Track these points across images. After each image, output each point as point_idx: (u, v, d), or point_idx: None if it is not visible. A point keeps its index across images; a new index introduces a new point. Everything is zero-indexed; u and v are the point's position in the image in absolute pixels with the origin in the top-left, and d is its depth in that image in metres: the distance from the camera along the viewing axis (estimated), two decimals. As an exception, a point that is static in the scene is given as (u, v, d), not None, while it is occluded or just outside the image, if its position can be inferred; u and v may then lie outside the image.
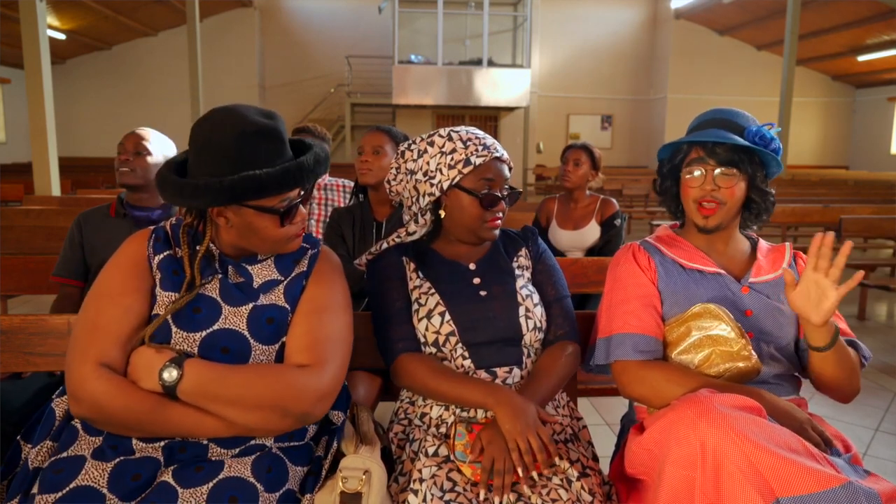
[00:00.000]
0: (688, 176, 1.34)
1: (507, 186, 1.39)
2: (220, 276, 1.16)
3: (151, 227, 1.21)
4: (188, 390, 1.03)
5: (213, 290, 1.14)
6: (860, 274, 1.11)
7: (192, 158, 1.11)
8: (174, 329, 1.09)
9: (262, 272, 1.19)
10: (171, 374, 1.03)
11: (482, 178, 1.34)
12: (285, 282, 1.19)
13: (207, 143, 1.07)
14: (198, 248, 1.15)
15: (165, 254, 1.16)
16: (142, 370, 1.05)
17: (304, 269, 1.22)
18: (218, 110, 1.10)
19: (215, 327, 1.11)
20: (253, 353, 1.12)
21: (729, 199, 1.31)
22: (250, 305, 1.14)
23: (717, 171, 1.30)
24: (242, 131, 1.06)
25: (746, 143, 1.27)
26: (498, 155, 1.36)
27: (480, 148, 1.34)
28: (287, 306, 1.17)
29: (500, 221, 1.38)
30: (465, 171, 1.33)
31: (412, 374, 1.29)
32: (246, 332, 1.12)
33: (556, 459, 1.19)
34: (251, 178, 1.04)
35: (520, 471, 1.13)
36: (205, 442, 1.07)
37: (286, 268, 1.21)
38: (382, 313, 1.38)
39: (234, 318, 1.12)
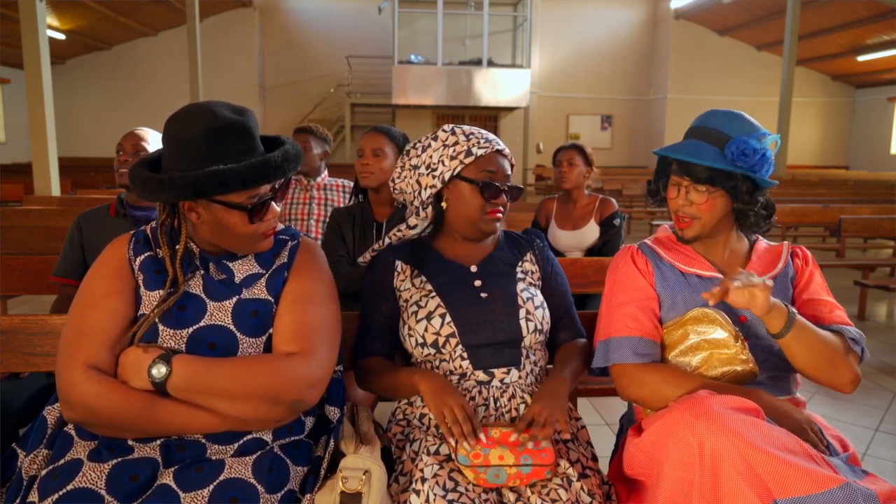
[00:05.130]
0: (669, 186, 1.36)
1: (509, 182, 1.40)
2: (202, 272, 1.17)
3: (132, 231, 1.22)
4: (178, 385, 1.04)
5: (196, 286, 1.15)
6: (769, 283, 1.14)
7: (164, 154, 1.12)
8: (161, 327, 1.10)
9: (243, 267, 1.20)
10: (159, 371, 1.04)
11: (483, 169, 1.36)
12: (267, 275, 1.20)
13: (176, 138, 1.08)
14: (177, 247, 1.16)
15: (146, 254, 1.17)
16: (131, 369, 1.06)
17: (285, 260, 1.23)
18: (189, 106, 1.11)
19: (201, 323, 1.12)
20: (240, 346, 1.13)
21: (703, 213, 1.30)
22: (234, 299, 1.15)
23: (689, 187, 1.30)
24: (210, 127, 1.07)
25: (718, 164, 1.24)
26: (500, 148, 1.38)
27: (482, 140, 1.37)
28: (270, 298, 1.17)
29: (501, 214, 1.39)
30: (467, 161, 1.35)
31: (363, 372, 1.39)
32: (232, 327, 1.13)
33: (558, 460, 1.19)
34: (214, 174, 1.05)
35: (451, 441, 1.17)
36: (202, 440, 1.07)
37: (267, 261, 1.22)
38: (362, 322, 1.44)
39: (219, 314, 1.13)
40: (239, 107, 1.14)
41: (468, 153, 1.35)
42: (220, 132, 1.07)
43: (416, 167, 1.42)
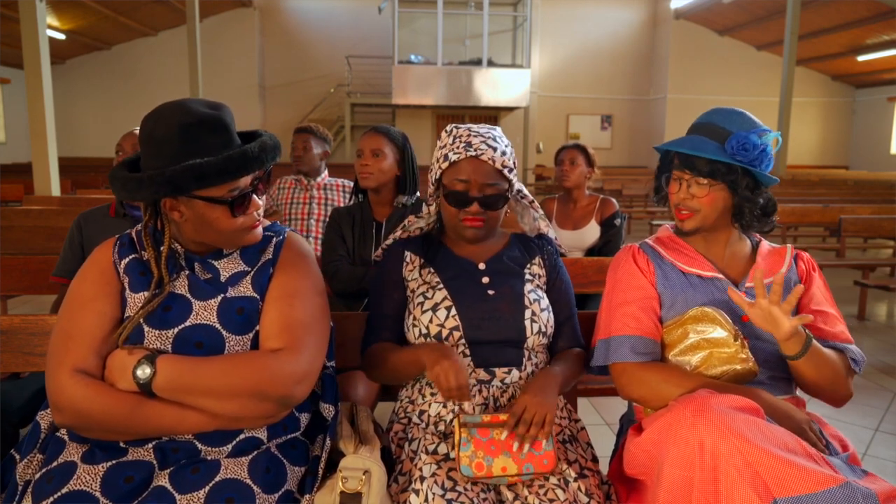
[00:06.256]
0: (671, 181, 1.36)
1: (491, 188, 1.34)
2: (187, 273, 1.16)
3: (117, 235, 1.22)
4: (163, 385, 1.04)
5: (181, 287, 1.15)
6: (808, 317, 1.14)
7: (142, 154, 1.12)
8: (146, 329, 1.10)
9: (228, 266, 1.19)
10: (144, 372, 1.04)
11: (455, 178, 1.35)
12: (252, 272, 1.19)
13: (152, 136, 1.08)
14: (162, 248, 1.16)
15: (131, 257, 1.17)
16: (117, 371, 1.06)
17: (270, 256, 1.22)
18: (164, 104, 1.11)
19: (187, 323, 1.12)
20: (227, 344, 1.12)
21: (703, 207, 1.31)
22: (219, 298, 1.15)
23: (691, 181, 1.31)
24: (184, 122, 1.06)
25: (718, 157, 1.26)
26: (474, 154, 1.33)
27: (461, 146, 1.35)
28: (256, 295, 1.17)
29: (480, 223, 1.36)
30: (444, 166, 1.37)
31: (371, 356, 1.37)
32: (218, 325, 1.13)
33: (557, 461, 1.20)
34: (191, 168, 1.04)
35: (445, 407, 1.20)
36: (195, 441, 1.07)
37: (252, 258, 1.21)
38: (372, 313, 1.43)
39: (205, 313, 1.13)
40: (214, 102, 1.13)
41: (445, 158, 1.36)
42: (194, 127, 1.07)
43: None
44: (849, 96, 18.54)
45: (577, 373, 1.39)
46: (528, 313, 1.35)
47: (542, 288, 1.45)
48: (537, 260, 1.48)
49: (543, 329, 1.36)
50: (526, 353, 1.35)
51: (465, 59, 15.63)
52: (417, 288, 1.39)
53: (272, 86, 17.09)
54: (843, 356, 1.28)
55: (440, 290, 1.36)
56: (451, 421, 1.27)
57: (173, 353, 1.09)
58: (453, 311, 1.32)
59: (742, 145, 1.26)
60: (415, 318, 1.35)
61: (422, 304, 1.35)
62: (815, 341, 1.21)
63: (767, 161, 1.28)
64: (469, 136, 1.36)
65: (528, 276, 1.43)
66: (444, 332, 1.31)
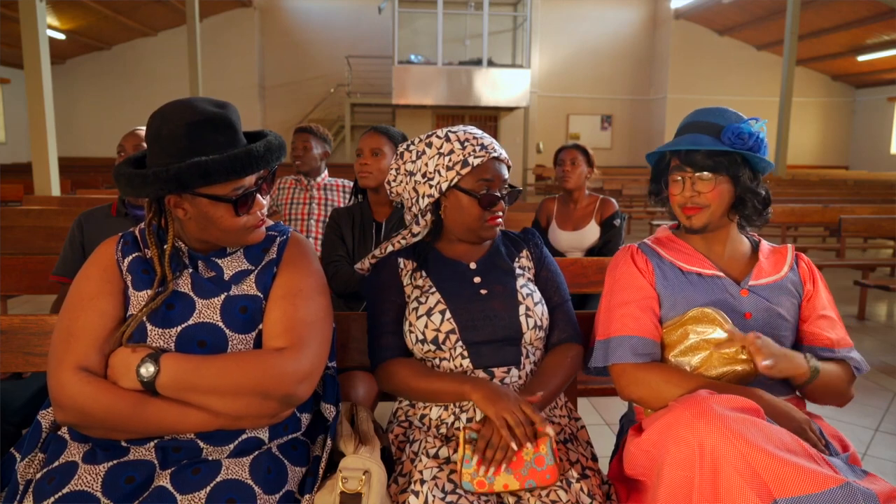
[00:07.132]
0: (671, 183, 1.36)
1: (506, 185, 1.40)
2: (190, 271, 1.16)
3: (120, 233, 1.22)
4: (167, 384, 1.04)
5: (185, 285, 1.15)
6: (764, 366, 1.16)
7: (148, 152, 1.12)
8: (149, 327, 1.10)
9: (232, 264, 1.19)
10: (148, 370, 1.04)
11: (480, 178, 1.35)
12: (256, 271, 1.20)
13: (158, 134, 1.08)
14: (165, 246, 1.16)
15: (134, 255, 1.17)
16: (120, 370, 1.06)
17: (274, 256, 1.22)
18: (171, 103, 1.11)
19: (190, 322, 1.12)
20: (230, 343, 1.12)
21: (711, 201, 1.30)
22: (223, 296, 1.15)
23: (695, 176, 1.30)
24: (191, 121, 1.07)
25: (719, 147, 1.27)
26: (496, 155, 1.36)
27: (478, 148, 1.35)
28: (259, 294, 1.17)
29: (500, 220, 1.39)
30: (464, 171, 1.34)
31: (395, 376, 1.32)
32: (221, 324, 1.13)
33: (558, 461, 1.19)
34: (196, 165, 1.05)
35: (513, 445, 1.13)
36: (197, 440, 1.07)
37: (256, 257, 1.21)
38: (374, 321, 1.41)
39: (208, 311, 1.13)
40: (220, 101, 1.14)
41: (464, 163, 1.34)
42: (200, 125, 1.07)
43: (411, 174, 1.40)
44: (849, 96, 18.55)
45: (565, 380, 1.36)
46: (522, 309, 1.34)
47: (532, 281, 1.45)
48: (524, 253, 1.48)
49: (539, 323, 1.36)
50: (524, 350, 1.34)
51: (465, 59, 15.63)
52: (412, 293, 1.39)
53: (272, 86, 17.09)
54: (846, 366, 1.31)
55: (433, 293, 1.35)
56: (453, 423, 1.27)
57: (177, 352, 1.09)
58: (448, 315, 1.32)
59: (737, 135, 1.27)
60: (411, 325, 1.34)
61: (416, 309, 1.35)
62: (821, 368, 1.24)
63: (763, 147, 1.30)
64: (477, 138, 1.37)
65: (518, 271, 1.43)
66: (441, 337, 1.31)
